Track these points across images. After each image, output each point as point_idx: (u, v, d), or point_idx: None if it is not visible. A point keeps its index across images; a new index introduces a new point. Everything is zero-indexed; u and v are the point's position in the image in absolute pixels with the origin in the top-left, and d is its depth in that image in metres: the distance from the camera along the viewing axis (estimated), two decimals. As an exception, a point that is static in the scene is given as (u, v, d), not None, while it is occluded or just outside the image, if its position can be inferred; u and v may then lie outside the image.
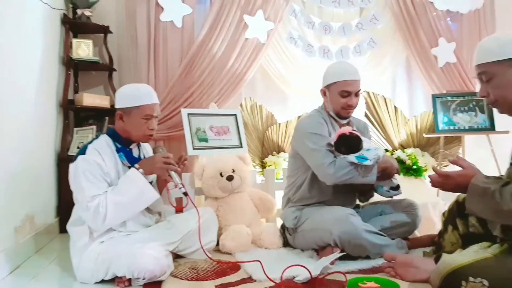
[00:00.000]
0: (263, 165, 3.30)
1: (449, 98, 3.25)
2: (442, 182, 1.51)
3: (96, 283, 1.77)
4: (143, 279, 1.67)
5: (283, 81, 3.51)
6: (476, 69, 1.48)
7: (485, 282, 1.31)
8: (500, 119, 3.13)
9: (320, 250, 2.05)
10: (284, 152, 3.30)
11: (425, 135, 3.36)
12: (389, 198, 2.19)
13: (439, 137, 3.27)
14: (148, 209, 1.98)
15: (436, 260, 1.56)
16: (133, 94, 1.88)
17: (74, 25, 3.08)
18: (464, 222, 1.74)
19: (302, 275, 1.70)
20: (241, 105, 3.30)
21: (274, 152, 3.32)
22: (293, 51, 3.46)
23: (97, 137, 1.91)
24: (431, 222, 2.57)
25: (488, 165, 3.20)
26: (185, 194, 1.84)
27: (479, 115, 3.18)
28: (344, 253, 1.91)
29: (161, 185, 2.00)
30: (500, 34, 1.49)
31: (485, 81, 1.45)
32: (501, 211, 1.32)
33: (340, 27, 3.45)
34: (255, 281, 1.74)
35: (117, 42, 3.28)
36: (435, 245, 1.92)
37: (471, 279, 1.32)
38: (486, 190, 1.37)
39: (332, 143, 2.02)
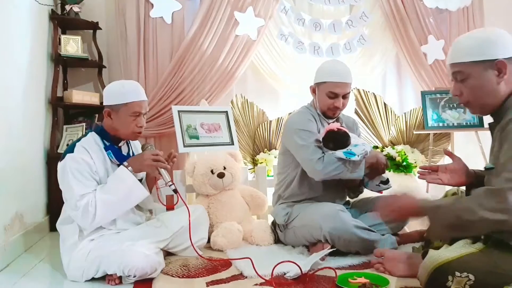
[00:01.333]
0: (254, 162, 3.31)
1: (438, 95, 3.28)
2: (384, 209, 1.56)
3: (86, 281, 1.76)
4: (134, 276, 1.67)
5: (274, 78, 3.51)
6: (451, 68, 1.46)
7: (471, 277, 1.33)
8: (488, 116, 3.16)
9: (311, 246, 2.07)
10: (275, 149, 3.31)
11: (414, 132, 3.39)
12: (379, 194, 2.21)
13: (429, 133, 3.30)
14: (138, 207, 1.97)
15: (424, 256, 1.58)
16: (120, 91, 1.87)
17: (63, 21, 3.04)
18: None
19: (292, 271, 1.71)
20: (232, 102, 3.30)
21: (265, 149, 3.32)
22: (283, 48, 3.47)
23: (85, 135, 1.90)
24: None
25: (476, 161, 3.24)
26: (175, 191, 1.83)
27: (468, 112, 3.22)
28: (335, 249, 1.93)
29: (150, 182, 1.99)
30: (477, 34, 1.45)
31: (459, 80, 1.44)
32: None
33: (330, 24, 3.46)
34: (246, 277, 1.74)
35: (106, 38, 3.26)
36: (424, 241, 1.94)
37: (457, 274, 1.34)
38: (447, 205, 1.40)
39: (320, 139, 2.04)
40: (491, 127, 1.52)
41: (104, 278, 1.75)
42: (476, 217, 1.30)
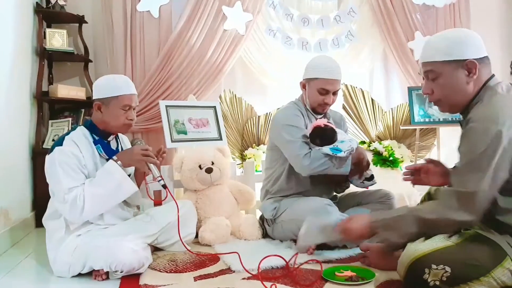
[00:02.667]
0: (243, 158, 3.31)
1: (425, 91, 3.31)
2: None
3: (73, 276, 1.75)
4: (121, 272, 1.67)
5: (263, 73, 3.51)
6: (423, 66, 1.49)
7: (448, 269, 1.36)
8: (473, 111, 3.21)
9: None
10: (264, 144, 3.31)
11: (401, 127, 3.43)
12: (365, 189, 2.24)
13: (415, 129, 3.34)
14: (126, 202, 1.96)
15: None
16: (111, 84, 1.86)
17: (48, 15, 3.00)
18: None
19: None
20: (220, 97, 3.29)
21: (254, 145, 3.33)
22: (272, 43, 3.46)
23: (74, 128, 1.88)
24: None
25: (461, 156, 3.30)
26: (164, 186, 1.83)
27: (453, 107, 3.26)
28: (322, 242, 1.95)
29: (139, 177, 1.99)
30: (448, 34, 1.49)
31: (431, 79, 1.47)
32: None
33: (318, 19, 3.46)
34: (234, 272, 1.75)
35: (92, 32, 3.22)
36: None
37: (434, 266, 1.37)
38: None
39: (308, 134, 2.05)
40: (462, 125, 1.55)
41: (91, 273, 1.74)
42: (442, 219, 1.39)
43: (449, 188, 1.43)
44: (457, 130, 3.39)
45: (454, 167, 1.54)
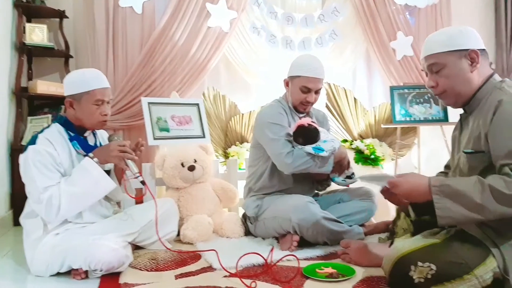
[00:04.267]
0: (226, 156, 3.30)
1: (406, 90, 3.36)
2: (392, 190, 1.46)
3: (51, 276, 1.72)
4: (101, 270, 1.65)
5: (247, 71, 3.51)
6: (427, 60, 1.51)
7: (433, 266, 1.37)
8: (454, 111, 3.27)
9: (280, 238, 2.09)
10: (248, 142, 3.31)
11: (383, 126, 3.47)
12: (346, 187, 2.26)
13: (396, 127, 3.38)
14: (106, 198, 1.94)
15: (390, 246, 1.63)
16: (81, 79, 1.81)
17: (28, 9, 2.94)
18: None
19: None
20: (203, 95, 3.27)
21: (237, 143, 3.32)
22: (256, 41, 3.46)
23: (48, 126, 1.84)
24: (386, 210, 2.67)
25: (441, 155, 3.36)
26: (143, 183, 1.81)
27: (434, 107, 3.32)
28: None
29: (118, 174, 1.96)
30: (448, 29, 1.57)
31: (435, 71, 1.49)
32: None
33: (302, 18, 3.47)
34: (215, 269, 1.75)
35: (73, 27, 3.17)
36: (390, 232, 2.00)
37: (419, 263, 1.38)
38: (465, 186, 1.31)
39: (291, 133, 2.06)
40: (463, 118, 1.57)
41: (70, 272, 1.72)
42: (496, 210, 1.28)
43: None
44: (437, 129, 3.46)
45: (470, 152, 1.45)
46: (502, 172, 1.32)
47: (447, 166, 1.86)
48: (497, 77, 1.49)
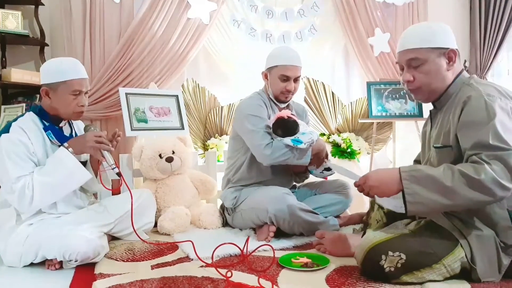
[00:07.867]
0: (205, 148, 3.30)
1: (382, 86, 3.43)
2: (364, 185, 1.48)
3: (24, 266, 1.70)
4: (75, 261, 1.63)
5: (226, 64, 3.50)
6: (405, 54, 1.52)
7: (403, 256, 1.42)
8: (428, 107, 3.36)
9: (257, 229, 2.12)
10: (227, 135, 3.31)
11: (359, 121, 3.53)
12: (323, 179, 2.30)
13: (373, 122, 3.45)
14: (82, 189, 1.91)
15: (363, 236, 1.67)
16: (58, 68, 1.77)
17: (1, -6, 2.85)
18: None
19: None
20: (183, 86, 3.26)
21: (217, 135, 3.32)
22: (236, 34, 3.45)
23: (21, 115, 1.80)
24: (361, 202, 2.74)
25: (416, 150, 3.43)
26: (119, 174, 1.79)
27: (409, 103, 3.40)
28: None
29: (94, 165, 1.94)
30: (429, 24, 1.56)
31: (414, 66, 1.51)
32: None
33: (282, 12, 3.48)
34: (192, 260, 1.76)
35: (49, 15, 3.08)
36: (364, 223, 2.05)
37: (390, 253, 1.42)
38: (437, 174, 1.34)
39: (271, 125, 2.08)
40: (433, 114, 1.61)
41: (44, 263, 1.70)
42: (487, 182, 1.29)
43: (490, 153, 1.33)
44: (411, 125, 3.54)
45: (439, 147, 1.51)
46: (470, 160, 1.37)
47: (417, 161, 1.92)
48: (466, 74, 1.55)
